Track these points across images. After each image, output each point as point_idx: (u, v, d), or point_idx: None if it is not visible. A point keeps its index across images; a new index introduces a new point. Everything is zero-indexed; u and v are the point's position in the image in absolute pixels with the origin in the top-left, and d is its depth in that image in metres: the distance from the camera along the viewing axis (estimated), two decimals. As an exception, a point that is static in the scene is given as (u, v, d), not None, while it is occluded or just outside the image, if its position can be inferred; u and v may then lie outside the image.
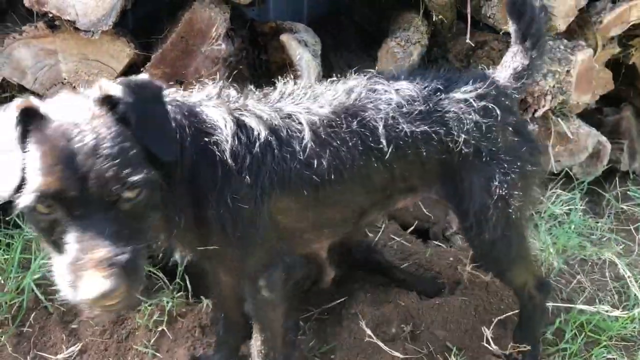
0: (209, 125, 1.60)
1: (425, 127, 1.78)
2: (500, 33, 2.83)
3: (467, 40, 2.66)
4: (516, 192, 1.85)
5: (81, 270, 1.26)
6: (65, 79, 2.41)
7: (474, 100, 1.82)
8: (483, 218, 1.87)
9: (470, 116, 1.80)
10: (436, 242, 2.84)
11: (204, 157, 1.58)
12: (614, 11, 2.91)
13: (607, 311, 2.33)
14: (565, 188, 3.08)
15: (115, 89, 1.37)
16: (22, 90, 2.42)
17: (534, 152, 1.92)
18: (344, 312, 2.30)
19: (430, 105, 1.81)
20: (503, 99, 1.88)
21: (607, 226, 2.98)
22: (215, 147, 1.58)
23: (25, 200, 1.28)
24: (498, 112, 1.83)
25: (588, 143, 3.06)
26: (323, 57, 2.86)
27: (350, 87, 1.80)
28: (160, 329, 2.23)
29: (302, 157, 1.65)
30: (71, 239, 1.29)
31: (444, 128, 1.80)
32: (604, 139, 3.19)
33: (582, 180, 3.14)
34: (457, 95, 1.83)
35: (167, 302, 2.27)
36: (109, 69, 2.44)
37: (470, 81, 1.86)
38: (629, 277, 2.48)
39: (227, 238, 1.64)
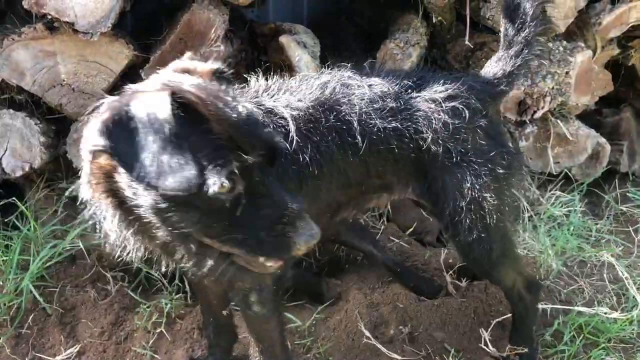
0: None
1: (397, 124, 1.79)
2: (499, 34, 2.82)
3: (466, 42, 2.66)
4: (489, 195, 1.84)
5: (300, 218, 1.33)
6: (64, 80, 2.41)
7: (443, 100, 1.82)
8: (457, 219, 1.87)
9: (439, 116, 1.81)
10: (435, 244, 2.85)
11: None
12: (613, 13, 2.91)
13: (605, 313, 2.33)
14: (565, 189, 3.08)
15: None
16: (20, 91, 2.42)
17: (507, 156, 1.91)
18: (343, 313, 2.30)
19: (401, 102, 1.82)
20: (474, 101, 1.87)
21: (606, 228, 2.98)
22: None
23: (215, 182, 1.24)
24: (467, 113, 1.83)
25: (587, 144, 3.06)
26: (322, 58, 2.86)
27: (324, 82, 1.81)
28: (158, 330, 2.23)
29: (288, 153, 1.65)
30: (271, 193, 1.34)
31: (414, 126, 1.81)
32: (603, 140, 3.18)
33: (582, 181, 3.14)
34: (428, 94, 1.83)
35: (166, 304, 2.28)
36: (108, 70, 2.44)
37: (442, 81, 1.86)
38: (627, 278, 2.47)
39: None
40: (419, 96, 1.84)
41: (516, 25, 1.94)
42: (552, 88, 2.82)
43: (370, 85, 1.82)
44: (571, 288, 2.53)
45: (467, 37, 2.65)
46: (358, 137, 1.75)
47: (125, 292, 2.35)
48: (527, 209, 2.90)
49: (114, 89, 2.58)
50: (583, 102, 2.99)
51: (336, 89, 1.79)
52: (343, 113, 1.76)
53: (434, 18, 2.83)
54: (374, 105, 1.79)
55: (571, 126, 3.02)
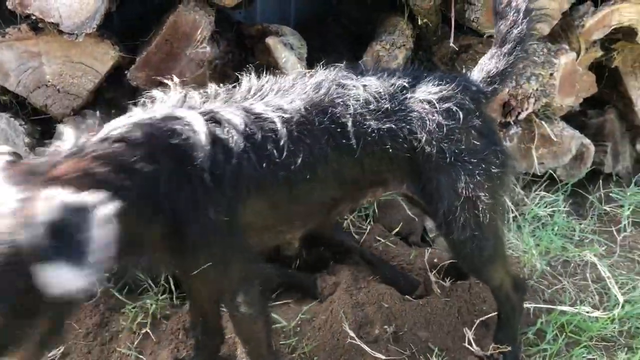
0: (184, 143, 1.56)
1: (391, 125, 1.80)
2: (484, 37, 2.86)
3: (451, 44, 2.68)
4: (483, 194, 1.86)
5: None
6: (49, 81, 2.41)
7: (437, 101, 1.83)
8: (452, 218, 1.89)
9: (433, 117, 1.82)
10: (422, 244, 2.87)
11: (182, 176, 1.55)
12: (596, 15, 2.94)
13: (587, 312, 2.36)
14: (549, 190, 3.11)
15: None
16: (5, 92, 2.41)
17: (500, 154, 1.92)
18: (328, 313, 2.31)
19: (396, 103, 1.82)
20: (468, 101, 1.88)
21: (590, 228, 3.01)
22: (192, 165, 1.55)
23: None
24: (461, 114, 1.84)
25: (572, 145, 3.09)
26: (310, 60, 2.87)
27: (319, 82, 1.80)
28: (144, 331, 2.23)
29: (278, 159, 1.65)
30: None
31: (408, 127, 1.82)
32: (587, 141, 3.22)
33: (566, 182, 3.17)
34: (422, 95, 1.84)
35: (151, 304, 2.28)
36: (93, 71, 2.44)
37: (437, 82, 1.87)
38: (609, 278, 2.51)
39: (208, 255, 1.63)
40: (413, 97, 1.84)
41: (509, 22, 1.93)
42: (537, 89, 2.85)
43: (365, 86, 1.82)
44: (555, 288, 2.56)
45: (452, 40, 2.67)
46: (353, 138, 1.75)
47: (111, 293, 2.35)
48: (512, 209, 2.93)
49: (100, 89, 2.59)
50: (567, 104, 3.02)
51: (331, 90, 1.79)
52: (338, 114, 1.76)
53: (419, 20, 2.85)
54: (369, 107, 1.79)
55: (555, 127, 3.05)
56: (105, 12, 2.34)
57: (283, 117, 1.68)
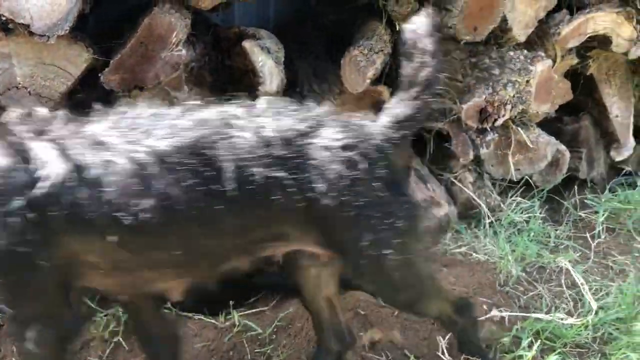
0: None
1: (283, 173, 1.60)
2: (461, 43, 2.87)
3: (429, 50, 2.68)
4: (389, 252, 1.70)
5: None
6: (20, 83, 2.35)
7: (339, 150, 1.65)
8: (359, 272, 1.79)
9: (334, 167, 1.63)
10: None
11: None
12: (571, 23, 2.98)
13: (562, 319, 2.38)
14: (525, 196, 3.14)
15: None
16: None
17: (408, 207, 1.75)
18: (304, 320, 2.29)
19: (292, 149, 1.63)
20: (373, 151, 1.70)
21: (565, 234, 3.04)
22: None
23: None
24: (364, 165, 1.66)
25: (547, 152, 3.12)
26: (288, 63, 2.86)
27: (204, 119, 1.63)
28: (115, 339, 2.19)
29: (113, 197, 1.50)
30: None
31: (305, 176, 1.62)
32: (563, 147, 3.25)
33: (542, 188, 3.20)
34: (323, 142, 1.65)
35: (123, 313, 2.24)
36: (66, 74, 2.40)
37: (340, 129, 1.69)
38: (582, 284, 2.53)
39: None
40: (313, 143, 1.65)
41: (414, 64, 1.73)
42: (513, 96, 2.87)
43: (256, 128, 1.63)
44: (530, 294, 2.58)
45: (429, 45, 2.67)
46: (231, 185, 1.56)
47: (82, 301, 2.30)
48: (489, 215, 2.95)
49: (73, 92, 2.55)
50: (543, 110, 3.05)
51: (215, 130, 1.60)
52: (215, 157, 1.57)
53: (397, 26, 2.85)
54: (257, 152, 1.59)
55: (532, 134, 3.08)
56: (79, 14, 2.29)
57: (136, 154, 1.53)
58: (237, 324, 2.26)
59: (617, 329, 2.38)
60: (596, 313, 2.44)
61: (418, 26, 1.72)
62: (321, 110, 1.77)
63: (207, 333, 2.24)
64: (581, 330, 2.32)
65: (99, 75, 2.42)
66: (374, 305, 2.34)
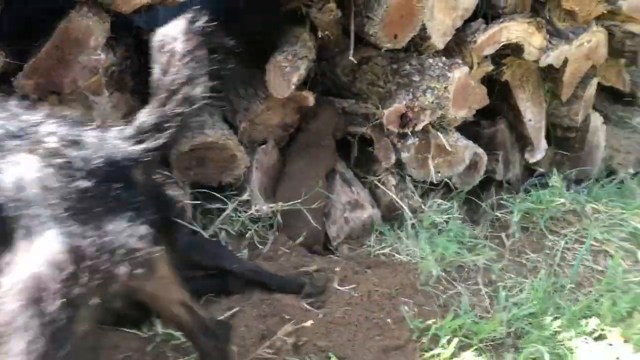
0: None
1: None
2: (382, 50, 2.95)
3: (351, 57, 2.75)
4: None
5: None
6: None
7: (46, 156, 1.38)
8: None
9: (37, 175, 1.37)
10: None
11: None
12: (487, 32, 3.11)
13: (478, 315, 2.49)
14: (446, 197, 3.25)
15: None
16: None
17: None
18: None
19: None
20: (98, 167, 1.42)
21: (482, 233, 3.17)
22: None
23: None
24: (87, 184, 1.38)
25: (465, 155, 3.24)
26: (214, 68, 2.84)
27: None
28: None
29: None
30: None
31: None
32: (480, 150, 3.39)
33: (461, 189, 3.33)
34: (30, 145, 1.40)
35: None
36: (-25, 77, 2.29)
37: (58, 131, 1.44)
38: (495, 281, 2.66)
39: None
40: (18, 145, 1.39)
41: (164, 68, 1.55)
42: (432, 102, 2.97)
43: None
44: (450, 293, 2.67)
45: (351, 53, 2.74)
46: None
47: None
48: (410, 217, 3.04)
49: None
50: (461, 116, 3.17)
51: None
52: None
53: (320, 32, 2.90)
54: None
55: (451, 138, 3.19)
56: (-12, 15, 2.20)
57: None
58: (160, 333, 2.23)
59: (530, 323, 2.51)
60: (511, 309, 2.56)
61: (169, 29, 1.60)
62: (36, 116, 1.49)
63: (130, 344, 2.20)
64: (497, 326, 2.43)
65: (11, 79, 2.34)
66: (300, 309, 2.37)
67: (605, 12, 3.28)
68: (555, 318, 2.51)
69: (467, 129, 3.50)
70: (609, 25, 3.54)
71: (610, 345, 2.42)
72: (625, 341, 2.43)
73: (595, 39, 3.44)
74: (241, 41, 3.41)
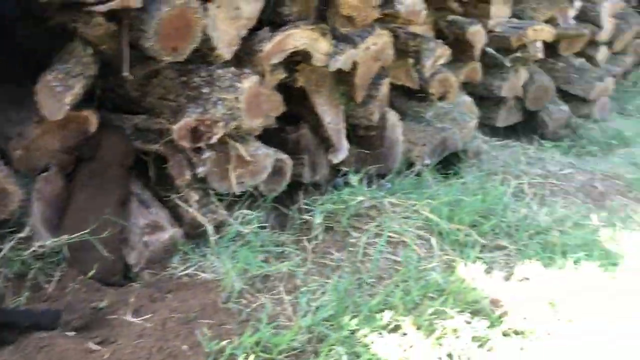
0: None
1: None
2: (164, 63, 2.85)
3: (125, 74, 2.61)
4: None
5: None
6: None
7: None
8: None
9: None
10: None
11: None
12: (272, 40, 3.12)
13: (281, 325, 2.48)
14: (252, 206, 3.22)
15: None
16: None
17: None
18: None
19: None
20: None
21: (290, 239, 3.19)
22: None
23: None
24: None
25: (267, 163, 3.24)
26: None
27: None
28: None
29: None
30: None
31: None
32: (285, 156, 3.41)
33: (266, 197, 3.32)
34: None
35: None
36: None
37: None
38: (299, 287, 2.68)
39: None
40: None
41: None
42: (224, 114, 2.92)
43: None
44: (253, 306, 2.62)
45: (125, 70, 2.59)
46: None
47: None
48: (213, 232, 2.97)
49: None
50: (257, 124, 3.15)
51: None
52: None
53: (91, 48, 2.71)
54: None
55: (250, 147, 3.17)
56: None
57: None
58: None
59: (332, 325, 2.54)
60: (314, 313, 2.58)
61: None
62: None
63: None
64: (296, 335, 2.43)
65: None
66: (81, 352, 2.18)
67: (384, 16, 3.46)
68: (354, 316, 2.58)
69: (274, 136, 3.52)
70: (393, 27, 3.76)
71: (405, 334, 2.53)
72: (418, 329, 2.55)
73: (380, 41, 3.62)
74: (13, 56, 3.15)
